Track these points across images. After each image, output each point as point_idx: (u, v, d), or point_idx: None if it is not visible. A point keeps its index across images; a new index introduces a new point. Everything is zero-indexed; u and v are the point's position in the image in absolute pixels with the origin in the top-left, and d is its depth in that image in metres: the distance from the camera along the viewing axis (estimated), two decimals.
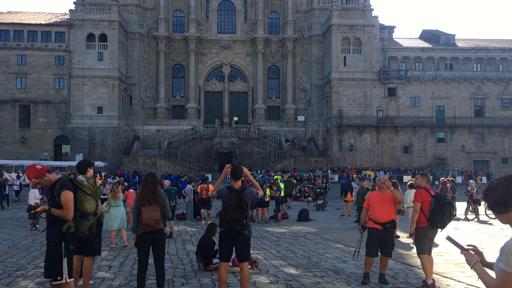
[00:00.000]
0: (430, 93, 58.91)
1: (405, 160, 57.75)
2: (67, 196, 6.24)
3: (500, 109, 59.31)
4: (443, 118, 58.77)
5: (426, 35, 65.80)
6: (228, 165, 7.63)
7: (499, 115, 58.66)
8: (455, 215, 19.70)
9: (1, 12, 60.87)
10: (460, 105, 59.01)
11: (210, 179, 45.70)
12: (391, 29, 64.71)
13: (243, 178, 7.54)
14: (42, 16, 59.96)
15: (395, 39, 64.11)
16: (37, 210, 6.48)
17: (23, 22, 56.48)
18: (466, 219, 21.64)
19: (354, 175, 32.68)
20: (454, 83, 59.10)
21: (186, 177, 38.40)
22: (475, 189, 22.69)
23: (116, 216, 13.59)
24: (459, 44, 61.83)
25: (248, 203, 7.30)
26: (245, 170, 7.53)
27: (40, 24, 56.38)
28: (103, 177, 21.91)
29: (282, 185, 24.00)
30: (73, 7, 56.83)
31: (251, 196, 7.36)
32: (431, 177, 49.04)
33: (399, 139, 58.10)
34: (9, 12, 61.39)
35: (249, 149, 54.85)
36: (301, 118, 61.70)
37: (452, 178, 25.33)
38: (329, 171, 50.35)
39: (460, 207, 23.30)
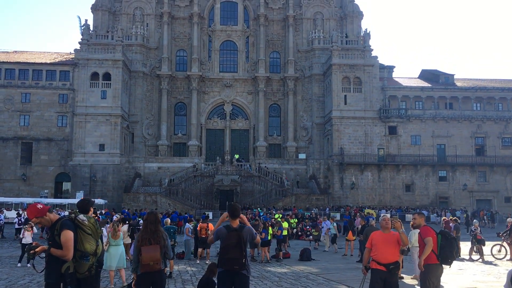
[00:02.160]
0: (430, 132, 59.19)
1: (407, 199, 57.39)
2: (68, 235, 6.18)
3: (501, 148, 59.43)
4: (444, 157, 58.79)
5: (425, 75, 66.75)
6: (226, 214, 7.57)
7: (500, 154, 58.71)
8: (460, 255, 19.39)
9: (8, 52, 62.14)
10: (461, 144, 59.16)
11: (211, 217, 45.35)
12: (390, 68, 65.73)
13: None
14: (47, 55, 61.17)
15: (394, 79, 65.00)
16: (36, 250, 6.40)
17: (28, 61, 57.57)
18: (471, 260, 21.29)
19: (357, 214, 32.43)
20: (454, 122, 59.48)
21: (186, 214, 38.12)
22: (479, 229, 22.43)
23: (116, 255, 13.41)
24: (458, 84, 62.64)
25: (246, 242, 7.23)
26: (242, 216, 7.50)
27: (45, 63, 57.46)
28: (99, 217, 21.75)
29: (286, 224, 23.82)
30: (78, 46, 57.98)
31: (250, 235, 7.31)
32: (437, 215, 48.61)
33: (401, 178, 57.93)
34: (15, 51, 62.69)
35: (250, 187, 54.67)
36: (302, 156, 61.79)
37: (455, 218, 25.09)
38: (327, 209, 50.01)
39: (464, 247, 22.98)
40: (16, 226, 30.76)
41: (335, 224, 26.25)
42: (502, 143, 59.91)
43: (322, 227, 26.15)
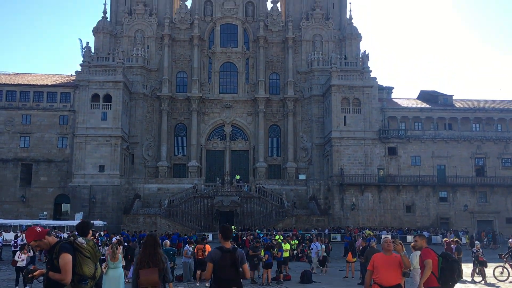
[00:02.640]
0: (430, 153, 59.21)
1: (407, 220, 57.06)
2: (66, 259, 6.13)
3: (501, 169, 59.38)
4: (445, 177, 58.67)
5: (424, 96, 67.11)
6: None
7: (501, 175, 58.63)
8: (462, 278, 19.18)
9: (9, 74, 62.64)
10: (461, 164, 59.12)
11: (210, 239, 44.98)
12: (389, 89, 66.13)
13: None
14: (48, 77, 61.63)
15: (393, 99, 65.34)
16: (35, 274, 6.35)
17: (29, 83, 58.01)
18: (473, 282, 21.08)
19: (358, 235, 32.20)
20: (454, 142, 59.56)
21: (186, 236, 37.84)
22: (481, 250, 22.25)
23: (114, 279, 13.25)
24: (457, 105, 62.94)
25: (240, 263, 7.33)
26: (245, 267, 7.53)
27: (46, 85, 57.91)
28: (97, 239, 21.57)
29: (287, 246, 23.62)
30: (79, 69, 58.42)
31: (242, 258, 7.45)
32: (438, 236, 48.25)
33: (401, 198, 57.71)
34: (17, 74, 63.20)
35: (250, 208, 54.40)
36: (302, 176, 61.68)
37: (456, 239, 24.92)
38: (326, 230, 49.67)
39: (466, 268, 22.75)
40: (13, 248, 30.45)
41: (323, 246, 26.01)
42: (502, 163, 59.87)
43: (312, 248, 25.89)
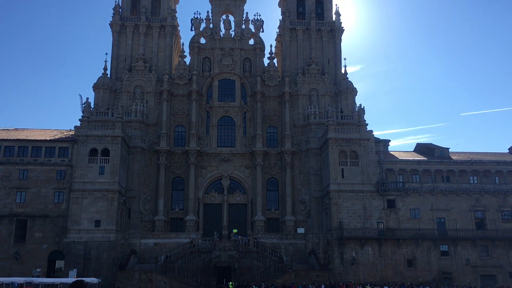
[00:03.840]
0: (429, 205, 58.94)
1: (409, 275, 55.86)
2: None
3: (501, 221, 58.95)
4: (445, 230, 58.06)
5: (421, 149, 67.62)
6: None
7: (501, 228, 58.12)
8: None
9: (8, 129, 63.11)
10: (460, 217, 58.70)
11: None
12: (386, 142, 66.65)
13: None
14: (47, 132, 62.09)
15: (390, 152, 65.72)
16: None
17: (28, 138, 58.35)
18: None
19: None
20: (453, 195, 59.44)
21: None
22: None
23: None
24: (454, 157, 63.30)
25: None
26: None
27: (45, 140, 58.27)
28: None
29: None
30: (79, 123, 58.98)
31: None
32: None
33: (402, 252, 56.79)
34: (16, 129, 63.67)
35: (248, 263, 53.31)
36: (301, 230, 60.92)
37: None
38: (323, 286, 48.45)
39: None
40: None
41: None
42: (502, 216, 59.49)
43: None
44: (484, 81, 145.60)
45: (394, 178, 60.12)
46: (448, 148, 64.98)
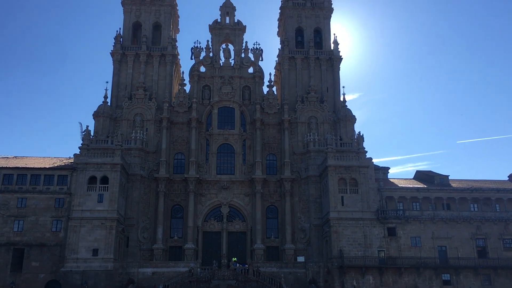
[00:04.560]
0: (430, 233, 58.53)
1: None
2: None
3: (503, 250, 58.46)
4: (446, 259, 57.49)
5: (420, 176, 67.56)
6: None
7: (503, 256, 57.60)
8: None
9: (8, 157, 63.11)
10: (462, 245, 58.24)
11: None
12: (385, 170, 66.67)
13: None
14: (47, 160, 62.10)
15: (390, 180, 65.67)
16: None
17: (27, 166, 58.33)
18: None
19: None
20: (453, 223, 59.12)
21: None
22: None
23: None
24: (454, 185, 63.18)
25: None
26: None
27: (44, 168, 58.27)
28: None
29: None
30: (78, 151, 59.03)
31: None
32: None
33: (404, 281, 56.09)
34: (15, 157, 63.71)
35: None
36: (301, 258, 60.28)
37: None
38: None
39: None
40: None
41: None
42: (504, 244, 59.04)
43: None
44: (480, 108, 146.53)
45: (394, 205, 59.88)
46: (447, 176, 64.93)
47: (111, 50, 69.60)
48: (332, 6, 74.68)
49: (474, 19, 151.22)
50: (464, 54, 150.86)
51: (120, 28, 71.14)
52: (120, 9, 72.74)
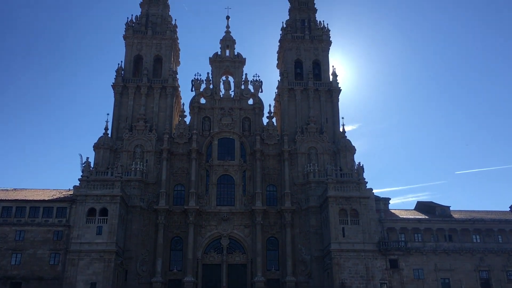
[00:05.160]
0: (433, 265, 57.81)
1: None
2: None
3: (507, 282, 57.74)
4: None
5: (421, 207, 67.22)
6: None
7: None
8: None
9: (7, 190, 63.01)
10: (465, 278, 57.47)
11: None
12: (386, 200, 66.32)
13: None
14: (46, 192, 61.96)
15: (391, 210, 65.28)
16: None
17: (26, 199, 58.18)
18: None
19: None
20: (456, 254, 58.46)
21: None
22: None
23: None
24: (455, 216, 62.81)
25: None
26: None
27: (43, 200, 58.12)
28: None
29: None
30: (78, 183, 58.92)
31: None
32: None
33: None
34: (15, 189, 63.63)
35: None
36: None
37: None
38: None
39: None
40: None
41: None
42: (508, 276, 58.27)
43: None
44: (480, 138, 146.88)
45: (396, 237, 59.34)
46: (449, 207, 64.61)
47: (113, 83, 70.38)
48: (331, 39, 75.97)
49: (471, 51, 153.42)
50: (463, 84, 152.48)
51: (121, 61, 72.18)
52: (122, 43, 74.05)
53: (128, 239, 60.70)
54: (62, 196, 60.40)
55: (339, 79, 72.98)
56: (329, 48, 75.82)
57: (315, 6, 79.35)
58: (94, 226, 56.08)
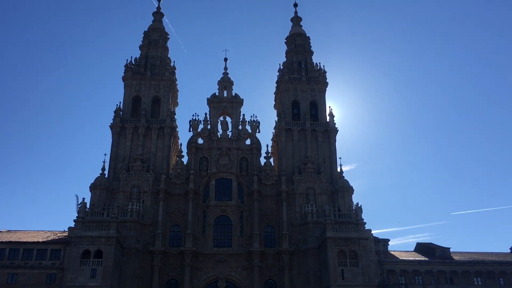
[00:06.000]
0: None
1: None
2: None
3: None
4: None
5: (421, 248, 66.36)
6: None
7: None
8: None
9: (1, 231, 62.02)
10: None
11: None
12: (385, 242, 65.57)
13: None
14: (40, 234, 61.02)
15: (390, 252, 64.39)
16: None
17: (19, 241, 57.19)
18: None
19: None
20: None
21: None
22: None
23: None
24: (455, 258, 61.92)
25: None
26: None
27: (37, 242, 57.07)
28: None
29: None
30: (73, 224, 58.11)
31: None
32: None
33: None
34: (9, 231, 62.65)
35: None
36: None
37: None
38: None
39: None
40: None
41: None
42: None
43: None
44: (479, 179, 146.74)
45: (396, 279, 58.29)
46: (449, 248, 63.81)
47: (111, 123, 70.67)
48: (327, 80, 77.07)
49: (467, 92, 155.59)
50: (461, 124, 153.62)
51: (120, 102, 72.73)
52: (120, 83, 74.85)
53: (122, 282, 59.30)
54: (57, 237, 59.45)
55: (336, 119, 73.63)
56: (325, 89, 76.80)
57: (312, 49, 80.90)
58: (88, 269, 54.82)
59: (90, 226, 57.48)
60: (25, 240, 57.86)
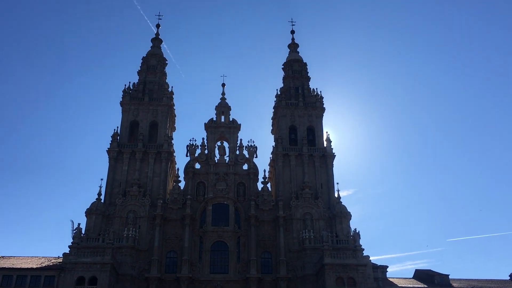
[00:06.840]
0: None
1: None
2: None
3: None
4: None
5: (420, 275, 65.70)
6: None
7: None
8: None
9: None
10: None
11: None
12: (384, 268, 64.82)
13: None
14: (34, 260, 60.17)
15: (389, 279, 63.67)
16: None
17: (13, 267, 56.35)
18: None
19: None
20: None
21: None
22: None
23: None
24: (454, 284, 61.28)
25: None
26: None
27: (31, 269, 56.19)
28: None
29: None
30: (68, 250, 57.45)
31: None
32: None
33: None
34: (2, 257, 61.76)
35: None
36: None
37: None
38: None
39: None
40: None
41: None
42: None
43: None
44: (478, 204, 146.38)
45: None
46: (448, 275, 63.10)
47: (108, 148, 70.65)
48: (324, 106, 77.56)
49: (466, 114, 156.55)
50: (459, 149, 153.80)
51: (117, 127, 72.86)
52: (117, 108, 75.18)
53: None
54: (51, 263, 58.63)
55: (333, 145, 73.76)
56: (322, 115, 77.18)
57: (309, 75, 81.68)
58: None
59: (85, 252, 56.85)
60: (18, 266, 57.00)
